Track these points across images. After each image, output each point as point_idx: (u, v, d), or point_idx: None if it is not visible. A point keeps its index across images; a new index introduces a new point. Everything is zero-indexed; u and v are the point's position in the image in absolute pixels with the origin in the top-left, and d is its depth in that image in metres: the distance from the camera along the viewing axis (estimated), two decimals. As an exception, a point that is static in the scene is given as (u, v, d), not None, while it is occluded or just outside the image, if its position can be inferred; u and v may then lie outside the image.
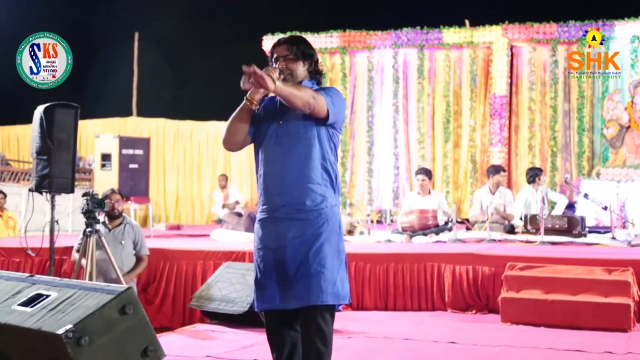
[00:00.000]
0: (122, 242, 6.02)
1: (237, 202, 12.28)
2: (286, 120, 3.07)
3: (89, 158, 14.33)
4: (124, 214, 6.23)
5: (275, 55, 3.13)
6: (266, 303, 3.05)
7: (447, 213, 8.20)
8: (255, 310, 3.16)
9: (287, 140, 3.05)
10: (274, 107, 3.14)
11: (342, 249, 3.10)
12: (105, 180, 10.96)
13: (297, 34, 13.33)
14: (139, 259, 6.21)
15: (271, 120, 3.10)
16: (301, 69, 3.13)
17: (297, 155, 3.03)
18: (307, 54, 3.15)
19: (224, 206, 12.09)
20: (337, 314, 3.11)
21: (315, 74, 3.19)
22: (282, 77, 3.05)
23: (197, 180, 15.20)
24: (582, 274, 5.51)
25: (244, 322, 5.18)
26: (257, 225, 3.14)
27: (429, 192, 8.52)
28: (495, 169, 9.14)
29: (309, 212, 3.02)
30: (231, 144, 3.17)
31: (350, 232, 8.18)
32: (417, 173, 8.73)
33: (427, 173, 8.65)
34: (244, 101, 3.07)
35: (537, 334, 5.03)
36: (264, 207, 3.10)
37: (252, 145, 3.22)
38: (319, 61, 3.23)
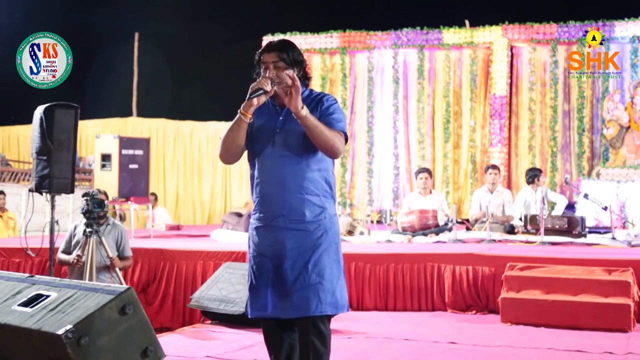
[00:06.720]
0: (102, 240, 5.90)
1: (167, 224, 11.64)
2: (282, 128, 3.02)
3: (89, 158, 14.32)
4: (108, 215, 6.13)
5: (264, 61, 3.03)
6: (259, 311, 3.02)
7: (447, 214, 8.20)
8: (249, 317, 3.10)
9: (285, 148, 3.00)
10: (267, 113, 3.08)
11: (341, 259, 3.09)
12: (105, 181, 10.95)
13: (297, 34, 13.37)
14: (122, 260, 6.10)
15: (266, 127, 3.04)
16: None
17: (296, 164, 2.99)
18: (298, 60, 3.06)
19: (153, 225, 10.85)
20: (337, 315, 3.10)
21: (304, 79, 3.10)
22: (274, 87, 2.97)
23: (197, 181, 15.18)
24: (582, 274, 5.51)
25: (244, 322, 5.17)
26: (252, 232, 3.09)
27: (430, 192, 8.52)
28: (486, 168, 9.25)
29: (308, 223, 2.98)
30: (229, 157, 3.09)
31: (350, 233, 8.17)
32: (418, 172, 8.73)
33: (429, 172, 8.69)
34: (238, 115, 2.98)
35: (537, 334, 5.03)
36: (261, 215, 3.05)
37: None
38: (307, 65, 3.15)
